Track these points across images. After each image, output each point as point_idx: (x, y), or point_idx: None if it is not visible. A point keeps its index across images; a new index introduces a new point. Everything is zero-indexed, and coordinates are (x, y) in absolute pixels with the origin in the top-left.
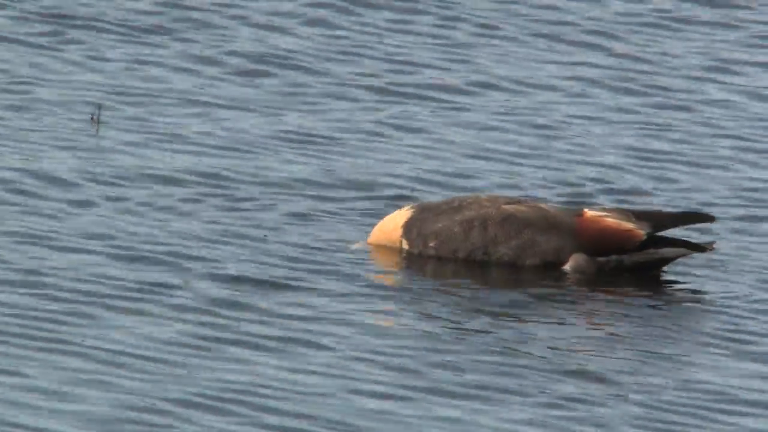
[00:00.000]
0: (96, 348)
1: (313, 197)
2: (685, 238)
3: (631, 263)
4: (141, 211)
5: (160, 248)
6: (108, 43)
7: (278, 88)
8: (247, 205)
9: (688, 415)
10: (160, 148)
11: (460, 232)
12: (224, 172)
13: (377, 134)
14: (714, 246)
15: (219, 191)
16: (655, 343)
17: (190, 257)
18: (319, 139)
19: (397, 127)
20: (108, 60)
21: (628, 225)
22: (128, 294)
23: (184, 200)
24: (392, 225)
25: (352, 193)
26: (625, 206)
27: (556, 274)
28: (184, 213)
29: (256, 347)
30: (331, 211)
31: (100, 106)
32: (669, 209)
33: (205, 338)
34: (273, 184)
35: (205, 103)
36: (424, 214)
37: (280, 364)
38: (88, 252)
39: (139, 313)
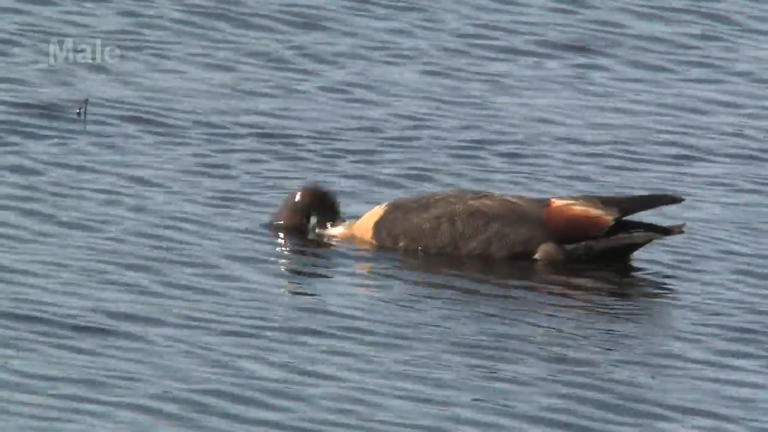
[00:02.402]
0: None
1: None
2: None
3: (600, 249)
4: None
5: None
6: None
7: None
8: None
9: (663, 403)
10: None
11: (428, 229)
12: None
13: None
14: (684, 229)
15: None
16: (625, 327)
17: None
18: None
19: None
20: None
21: (596, 211)
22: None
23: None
24: (364, 225)
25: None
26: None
27: (526, 264)
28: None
29: None
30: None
31: (86, 101)
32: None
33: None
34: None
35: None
36: (393, 214)
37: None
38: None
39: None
